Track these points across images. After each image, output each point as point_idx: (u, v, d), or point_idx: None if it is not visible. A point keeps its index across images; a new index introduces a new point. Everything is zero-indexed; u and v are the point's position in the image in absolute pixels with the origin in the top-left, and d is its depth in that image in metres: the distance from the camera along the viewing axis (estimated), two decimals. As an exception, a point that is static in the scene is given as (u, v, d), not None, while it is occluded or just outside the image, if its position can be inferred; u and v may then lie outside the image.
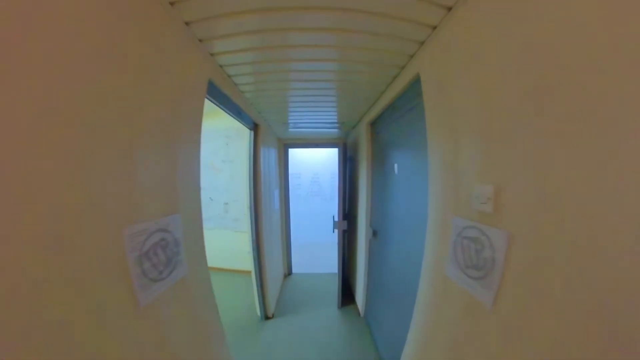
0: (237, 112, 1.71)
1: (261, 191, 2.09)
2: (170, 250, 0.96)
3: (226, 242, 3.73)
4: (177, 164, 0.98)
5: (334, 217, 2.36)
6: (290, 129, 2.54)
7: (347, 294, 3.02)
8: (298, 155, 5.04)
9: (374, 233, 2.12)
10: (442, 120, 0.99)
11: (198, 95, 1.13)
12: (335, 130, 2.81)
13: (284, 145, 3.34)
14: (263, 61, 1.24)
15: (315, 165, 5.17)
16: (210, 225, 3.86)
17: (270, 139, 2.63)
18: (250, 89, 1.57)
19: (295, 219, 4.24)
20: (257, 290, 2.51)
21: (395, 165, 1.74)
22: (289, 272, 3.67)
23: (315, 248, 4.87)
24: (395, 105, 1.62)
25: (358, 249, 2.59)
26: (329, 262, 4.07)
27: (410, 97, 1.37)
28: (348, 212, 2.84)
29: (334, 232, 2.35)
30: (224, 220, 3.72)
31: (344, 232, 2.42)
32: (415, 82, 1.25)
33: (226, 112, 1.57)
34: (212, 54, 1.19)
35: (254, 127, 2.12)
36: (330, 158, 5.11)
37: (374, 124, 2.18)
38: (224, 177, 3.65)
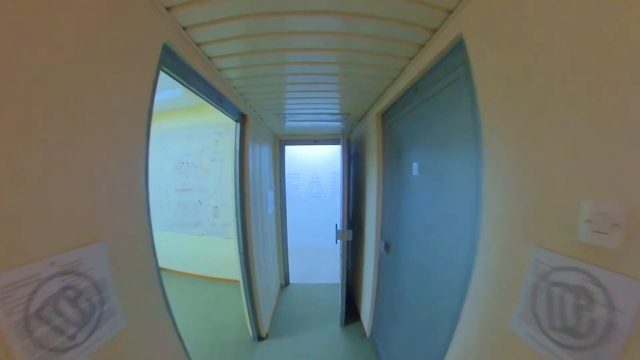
0: (215, 97, 1.36)
1: (249, 193, 1.74)
2: (86, 300, 0.61)
3: (217, 249, 3.39)
4: (97, 163, 0.62)
5: (336, 225, 2.01)
6: (287, 122, 2.18)
7: (350, 308, 2.68)
8: (296, 154, 4.69)
9: (386, 246, 1.77)
10: (510, 97, 0.64)
11: (144, 64, 0.78)
12: (338, 123, 2.45)
13: (280, 142, 2.97)
14: (242, 15, 0.89)
15: (315, 164, 4.81)
16: (199, 232, 3.52)
17: (262, 133, 2.28)
18: (230, 64, 1.21)
19: (293, 223, 3.90)
20: (248, 307, 2.17)
21: (415, 165, 1.40)
22: (285, 283, 3.33)
23: (315, 255, 4.53)
24: (418, 87, 1.27)
25: (365, 262, 2.24)
26: (330, 271, 3.73)
27: (443, 73, 1.02)
28: (353, 220, 2.49)
29: (336, 242, 2.00)
30: (214, 226, 3.37)
31: (348, 242, 2.08)
32: (454, 50, 0.91)
33: (198, 94, 1.22)
34: (168, 9, 0.84)
35: (241, 119, 1.77)
36: (331, 156, 4.76)
37: (386, 115, 1.83)
38: (213, 177, 3.30)
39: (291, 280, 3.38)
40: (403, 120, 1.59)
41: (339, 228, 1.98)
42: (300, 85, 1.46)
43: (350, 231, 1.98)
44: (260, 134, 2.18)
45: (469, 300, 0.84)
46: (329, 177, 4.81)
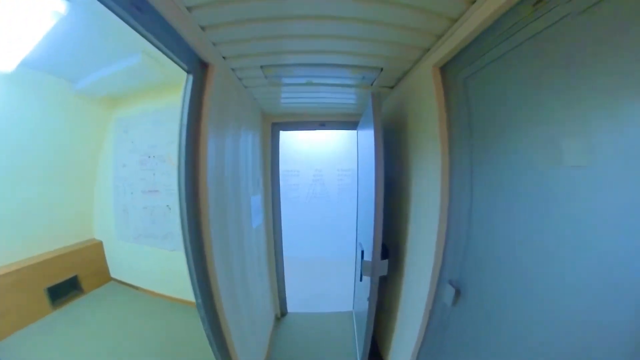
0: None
1: (207, 199, 0.95)
2: None
3: (192, 268, 2.61)
4: None
5: (362, 253, 1.21)
6: (283, 84, 1.36)
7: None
8: (294, 145, 3.86)
9: (456, 294, 1.00)
10: None
11: None
12: (353, 96, 1.66)
13: (273, 126, 2.13)
14: None
15: (317, 158, 3.98)
16: (169, 247, 2.74)
17: (241, 106, 1.46)
18: None
19: (292, 230, 3.12)
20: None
21: (564, 146, 0.62)
22: (282, 313, 2.54)
23: (318, 269, 3.73)
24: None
25: (402, 304, 1.45)
26: (339, 293, 2.94)
27: None
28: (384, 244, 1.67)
29: (360, 280, 1.21)
30: (186, 239, 2.58)
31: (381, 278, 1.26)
32: None
33: None
34: None
35: (197, 69, 0.98)
36: (337, 148, 3.95)
37: (453, 66, 1.04)
38: (185, 175, 2.50)
39: (289, 309, 2.60)
40: (498, 68, 0.82)
41: (366, 257, 1.19)
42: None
43: (386, 262, 1.20)
44: (238, 105, 1.37)
45: None
46: (334, 175, 4.01)
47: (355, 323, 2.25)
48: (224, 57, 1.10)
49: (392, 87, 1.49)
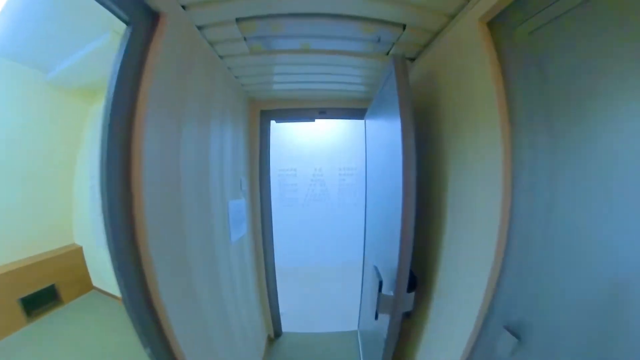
0: None
1: (143, 207, 0.60)
2: None
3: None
4: None
5: (380, 284, 0.87)
6: (269, 48, 0.98)
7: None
8: (288, 139, 3.48)
9: (518, 340, 0.68)
10: None
11: None
12: (358, 72, 1.33)
13: (262, 115, 1.76)
14: None
15: (317, 155, 3.63)
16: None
17: (213, 84, 1.10)
18: None
19: (289, 238, 2.80)
20: None
21: None
22: (276, 334, 2.22)
23: (319, 278, 3.40)
24: None
25: (423, 339, 1.12)
26: (341, 306, 2.61)
27: None
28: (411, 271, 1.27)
29: (376, 318, 0.88)
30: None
31: (404, 315, 0.92)
32: None
33: None
34: None
35: (144, 19, 0.64)
36: (338, 143, 3.61)
37: (508, 18, 0.70)
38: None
39: (285, 328, 2.27)
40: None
41: (387, 290, 0.85)
42: None
43: (412, 295, 0.86)
44: (208, 81, 1.00)
45: None
46: (336, 173, 3.66)
47: (361, 346, 1.94)
48: (183, 7, 0.76)
49: (413, 60, 1.15)
